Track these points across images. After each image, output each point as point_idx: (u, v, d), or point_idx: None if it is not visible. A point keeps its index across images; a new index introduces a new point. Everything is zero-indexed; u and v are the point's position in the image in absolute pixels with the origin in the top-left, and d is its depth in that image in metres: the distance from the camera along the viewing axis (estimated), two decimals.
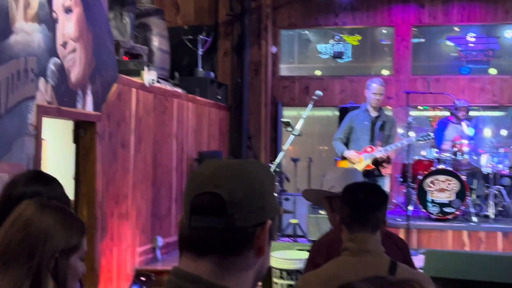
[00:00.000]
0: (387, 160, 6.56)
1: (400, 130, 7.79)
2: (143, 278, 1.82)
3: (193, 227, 1.19)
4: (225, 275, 1.18)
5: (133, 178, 6.56)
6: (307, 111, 5.79)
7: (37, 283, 1.69)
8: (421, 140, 6.89)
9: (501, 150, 8.25)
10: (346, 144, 6.95)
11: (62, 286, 1.74)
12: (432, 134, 6.67)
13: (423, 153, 9.20)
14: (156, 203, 7.16)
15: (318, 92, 6.10)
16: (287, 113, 10.66)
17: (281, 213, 1.82)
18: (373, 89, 6.74)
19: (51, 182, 2.26)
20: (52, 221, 1.75)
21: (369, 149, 6.66)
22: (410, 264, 2.96)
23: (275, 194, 1.28)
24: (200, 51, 9.17)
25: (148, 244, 7.01)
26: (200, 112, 8.62)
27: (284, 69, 10.72)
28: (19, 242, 1.72)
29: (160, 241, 7.15)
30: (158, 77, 7.40)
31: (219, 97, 9.33)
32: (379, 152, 6.53)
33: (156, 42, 8.35)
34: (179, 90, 7.97)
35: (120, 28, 7.25)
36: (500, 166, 8.23)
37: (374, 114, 6.85)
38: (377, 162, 6.52)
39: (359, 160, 6.67)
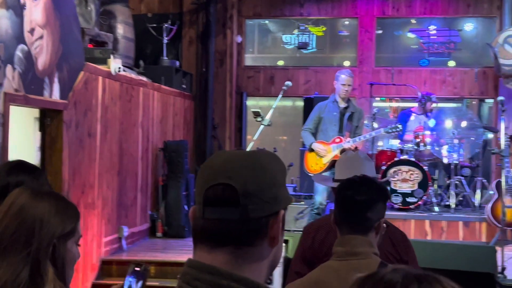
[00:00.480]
0: (355, 151, 6.64)
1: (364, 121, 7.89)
2: (137, 269, 1.81)
3: (206, 219, 1.19)
4: (241, 266, 1.19)
5: (99, 168, 6.49)
6: (277, 101, 5.81)
7: (36, 269, 1.68)
8: (390, 132, 7.00)
9: (456, 141, 8.41)
10: (315, 134, 7.00)
11: (61, 271, 1.73)
12: (400, 127, 6.78)
13: (380, 143, 9.35)
14: (122, 193, 7.10)
15: (288, 83, 6.12)
16: (251, 103, 10.67)
17: (291, 203, 1.73)
18: (342, 80, 6.80)
19: (35, 171, 2.24)
20: (47, 207, 1.74)
21: (337, 140, 6.73)
22: (404, 262, 2.80)
23: (286, 184, 1.29)
24: (165, 40, 9.09)
25: (114, 234, 6.95)
26: (165, 101, 8.56)
27: (249, 59, 10.72)
28: (14, 230, 1.70)
29: (125, 231, 7.10)
30: (123, 66, 7.32)
31: (184, 86, 9.28)
32: (348, 143, 6.61)
33: (121, 29, 8.25)
34: (144, 78, 7.90)
35: (85, 15, 7.12)
36: (455, 155, 8.39)
37: (342, 105, 6.91)
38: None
39: (327, 152, 6.73)
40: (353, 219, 2.26)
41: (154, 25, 9.33)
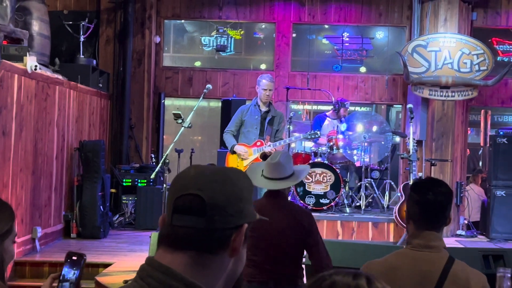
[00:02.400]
0: None
1: None
2: (74, 258, 1.84)
3: (174, 225, 1.28)
4: (198, 271, 1.27)
5: (13, 167, 6.35)
6: (197, 104, 5.88)
7: None
8: (309, 138, 7.18)
9: (365, 145, 8.76)
10: (236, 137, 7.09)
11: (0, 270, 1.74)
12: (319, 133, 6.97)
13: (293, 145, 9.60)
14: (36, 193, 6.96)
15: (209, 86, 6.22)
16: (168, 103, 10.66)
17: (256, 219, 1.85)
18: (263, 85, 6.91)
19: None
20: None
21: (258, 143, 6.85)
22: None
23: (252, 201, 1.38)
24: (81, 38, 8.96)
25: (27, 234, 6.81)
26: (82, 100, 8.45)
27: (166, 59, 10.71)
28: None
29: (39, 231, 6.97)
30: (39, 63, 7.17)
31: (100, 85, 9.18)
32: (268, 147, 6.74)
33: (36, 26, 8.07)
34: (60, 77, 7.76)
35: (0, 11, 6.93)
36: (366, 158, 8.75)
37: (264, 109, 7.03)
38: (265, 156, 6.73)
39: (248, 155, 6.84)
40: (433, 218, 2.54)
41: (71, 22, 9.18)
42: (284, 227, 3.69)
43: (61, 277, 1.82)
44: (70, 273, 1.80)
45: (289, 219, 3.72)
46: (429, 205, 2.53)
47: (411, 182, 6.94)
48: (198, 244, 1.27)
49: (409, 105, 6.82)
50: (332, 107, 9.34)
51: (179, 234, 1.27)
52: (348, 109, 9.51)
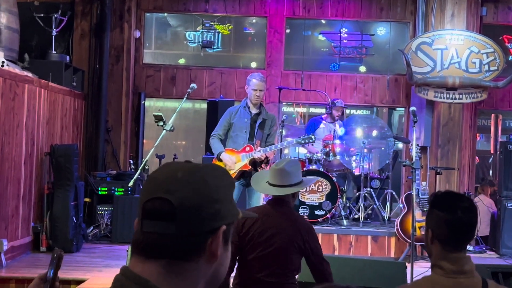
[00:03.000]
0: (266, 161, 6.78)
1: None
2: (55, 255, 1.86)
3: (144, 232, 1.29)
4: (172, 280, 1.29)
5: None
6: (181, 105, 5.88)
7: None
8: (302, 143, 7.17)
9: (364, 151, 8.79)
10: (224, 141, 7.07)
11: None
12: (313, 137, 6.96)
13: (286, 151, 9.62)
14: (2, 202, 6.93)
15: (193, 85, 6.21)
16: (149, 104, 10.65)
17: (239, 218, 1.83)
18: (253, 85, 6.88)
19: None
20: None
21: (247, 148, 6.83)
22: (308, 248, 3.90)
23: (232, 200, 1.38)
24: (54, 32, 8.94)
25: None
26: (54, 100, 8.42)
27: (147, 55, 10.70)
28: None
29: (5, 244, 6.92)
30: (6, 59, 7.15)
31: (74, 84, 9.16)
32: (258, 153, 6.70)
33: (4, 19, 8.04)
34: (30, 74, 7.74)
35: None
36: (365, 166, 8.78)
37: (254, 111, 7.01)
38: (255, 163, 6.72)
39: (236, 161, 6.81)
40: (464, 238, 2.58)
41: (42, 14, 9.16)
42: (284, 238, 3.87)
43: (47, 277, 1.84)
44: (51, 272, 1.83)
45: (290, 229, 3.90)
46: (459, 224, 2.55)
47: (414, 193, 6.95)
48: (170, 252, 1.28)
49: (412, 108, 6.82)
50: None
51: (149, 241, 1.28)
52: (344, 109, 9.50)
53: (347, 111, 11.28)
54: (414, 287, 2.69)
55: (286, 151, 9.76)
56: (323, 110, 9.64)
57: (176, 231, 1.27)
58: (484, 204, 9.60)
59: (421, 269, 7.11)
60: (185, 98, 6.01)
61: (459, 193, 2.73)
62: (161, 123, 5.81)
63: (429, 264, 7.36)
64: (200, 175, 1.31)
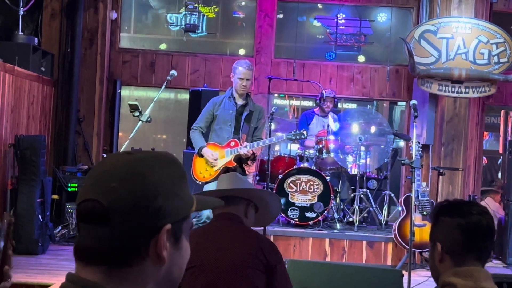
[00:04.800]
0: (252, 157, 6.76)
1: None
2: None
3: (80, 236, 1.30)
4: (117, 284, 1.28)
5: None
6: (159, 94, 5.87)
7: None
8: (293, 139, 7.15)
9: (363, 149, 8.81)
10: (207, 135, 7.05)
11: None
12: (305, 133, 6.96)
13: (277, 147, 9.62)
14: None
15: (173, 72, 6.20)
16: (126, 93, 10.63)
17: (192, 211, 1.71)
18: (239, 74, 6.86)
19: None
20: None
21: (232, 143, 6.81)
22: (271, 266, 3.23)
23: (182, 193, 1.36)
24: (21, 11, 8.89)
25: None
26: (19, 86, 8.39)
27: (125, 40, 10.68)
28: None
29: None
30: None
31: (43, 69, 9.12)
32: (244, 148, 6.67)
33: None
34: None
35: None
36: (361, 165, 8.80)
37: (240, 102, 6.99)
38: (240, 159, 6.71)
39: (219, 157, 6.79)
40: (482, 245, 2.39)
41: None
42: (238, 261, 3.24)
43: None
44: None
45: (246, 249, 3.29)
46: (476, 227, 2.38)
47: (413, 194, 6.97)
48: (107, 257, 1.27)
49: (413, 101, 6.84)
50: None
51: (86, 246, 1.28)
52: (337, 100, 9.45)
53: (344, 105, 11.30)
54: None
55: (277, 147, 9.76)
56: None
57: (111, 235, 1.25)
58: (490, 209, 9.64)
59: (420, 278, 7.15)
60: (164, 86, 6.00)
61: (469, 200, 2.61)
62: (137, 113, 5.80)
63: (428, 273, 7.40)
64: (138, 170, 1.29)
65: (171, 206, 1.31)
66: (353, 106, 12.13)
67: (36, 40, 9.03)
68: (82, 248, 1.28)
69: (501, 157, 11.83)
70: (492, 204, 9.81)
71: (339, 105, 11.27)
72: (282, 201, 8.42)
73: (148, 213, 1.27)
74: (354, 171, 8.95)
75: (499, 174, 12.33)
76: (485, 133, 11.87)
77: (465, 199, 2.47)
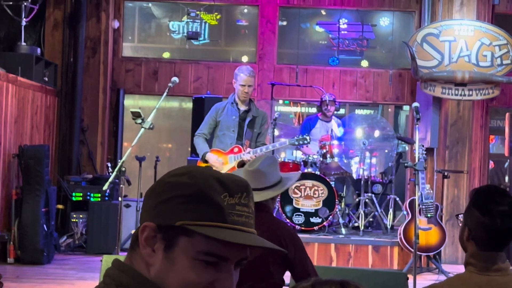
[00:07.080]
0: None
1: None
2: None
3: None
4: (132, 265, 1.47)
5: None
6: (161, 101, 5.92)
7: None
8: (296, 144, 7.18)
9: (367, 153, 8.81)
10: (210, 141, 7.08)
11: None
12: (308, 138, 6.98)
13: (283, 154, 9.64)
14: None
15: (175, 79, 6.24)
16: (130, 102, 10.67)
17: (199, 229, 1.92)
18: (241, 80, 6.89)
19: None
20: None
21: (236, 149, 6.84)
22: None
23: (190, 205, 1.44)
24: (23, 21, 8.96)
25: None
26: (23, 97, 8.44)
27: (128, 49, 10.73)
28: None
29: None
30: None
31: (46, 79, 9.18)
32: (247, 154, 6.70)
33: None
34: None
35: None
36: (366, 169, 8.80)
37: (243, 107, 7.01)
38: (243, 165, 6.74)
39: (223, 164, 6.83)
40: (502, 242, 2.68)
41: (10, 2, 9.16)
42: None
43: None
44: None
45: (269, 238, 3.61)
46: (498, 230, 2.64)
47: (417, 198, 6.98)
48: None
49: (415, 104, 6.86)
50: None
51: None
52: (337, 103, 9.44)
53: (347, 110, 11.33)
54: (446, 284, 2.77)
55: (283, 154, 9.79)
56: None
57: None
58: None
59: (426, 282, 7.14)
60: (165, 93, 6.04)
61: (502, 189, 2.79)
62: (139, 121, 5.85)
63: (435, 277, 7.43)
64: (172, 173, 1.45)
65: (164, 210, 1.41)
66: (366, 112, 12.08)
67: (39, 50, 9.09)
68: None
69: (508, 160, 11.83)
70: None
71: (348, 111, 11.27)
72: (288, 208, 8.45)
73: (148, 207, 1.44)
74: (360, 172, 8.91)
75: (506, 178, 12.32)
76: (491, 136, 11.86)
77: (500, 188, 2.73)
